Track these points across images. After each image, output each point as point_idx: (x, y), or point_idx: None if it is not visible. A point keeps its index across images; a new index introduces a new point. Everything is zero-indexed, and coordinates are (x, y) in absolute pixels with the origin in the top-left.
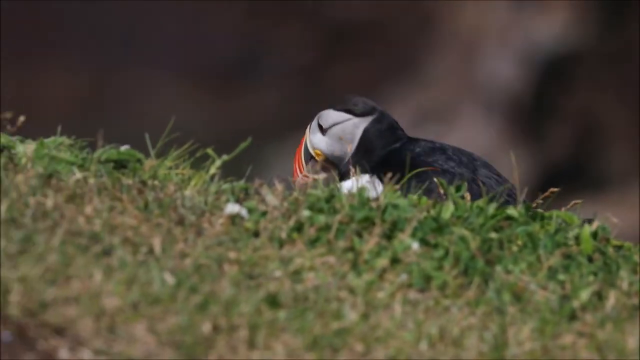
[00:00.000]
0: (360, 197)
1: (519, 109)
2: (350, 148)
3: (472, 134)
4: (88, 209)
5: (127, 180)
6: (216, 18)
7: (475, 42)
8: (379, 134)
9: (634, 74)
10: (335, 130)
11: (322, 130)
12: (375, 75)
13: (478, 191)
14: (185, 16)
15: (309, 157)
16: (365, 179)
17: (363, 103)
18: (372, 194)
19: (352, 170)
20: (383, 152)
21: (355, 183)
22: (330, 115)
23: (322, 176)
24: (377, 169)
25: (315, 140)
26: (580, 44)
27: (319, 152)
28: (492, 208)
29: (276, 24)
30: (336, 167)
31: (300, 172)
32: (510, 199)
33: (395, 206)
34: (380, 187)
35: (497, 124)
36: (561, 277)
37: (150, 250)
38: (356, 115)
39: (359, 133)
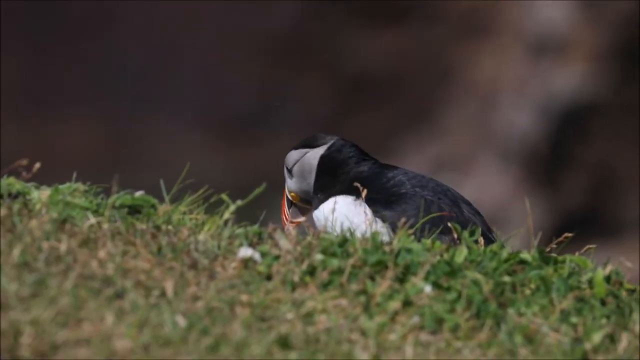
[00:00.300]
0: (374, 241)
1: (535, 159)
2: (311, 179)
3: (488, 183)
4: (101, 253)
5: (141, 225)
6: (235, 68)
7: (493, 93)
8: (336, 159)
9: None
10: (297, 167)
11: (289, 171)
12: (392, 125)
13: (462, 221)
14: (205, 66)
15: (290, 203)
16: (349, 200)
17: (319, 136)
18: (358, 214)
19: (316, 197)
20: (347, 177)
21: (340, 203)
22: (291, 155)
23: (302, 219)
24: (347, 192)
25: (288, 184)
26: (597, 95)
27: (293, 194)
28: (505, 252)
29: (295, 76)
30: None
31: (286, 219)
32: (492, 235)
33: (409, 250)
34: (367, 210)
35: (514, 174)
36: (574, 319)
37: (163, 294)
38: (311, 147)
39: (315, 163)
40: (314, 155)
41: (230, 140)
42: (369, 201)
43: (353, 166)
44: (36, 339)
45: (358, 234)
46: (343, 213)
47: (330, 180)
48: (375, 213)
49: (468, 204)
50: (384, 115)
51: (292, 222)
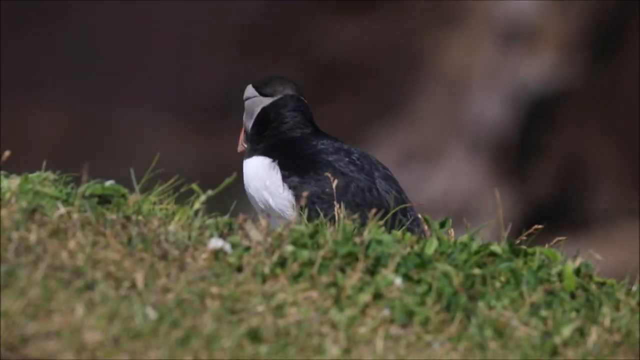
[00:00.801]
0: (345, 232)
1: (504, 148)
2: (249, 125)
3: (458, 172)
4: (71, 244)
5: (111, 215)
6: (206, 57)
7: (462, 82)
8: (274, 117)
9: (619, 115)
10: (247, 104)
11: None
12: (362, 114)
13: (372, 201)
14: (175, 53)
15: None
16: (266, 162)
17: (276, 84)
18: (271, 177)
19: (246, 147)
20: (276, 137)
21: (254, 163)
22: (247, 90)
23: (245, 147)
24: (268, 152)
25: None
26: (567, 84)
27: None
28: (475, 244)
29: (265, 64)
30: None
31: (242, 144)
32: (405, 219)
33: (379, 242)
34: (278, 174)
35: (483, 163)
36: (543, 313)
37: (133, 285)
38: (260, 93)
39: (257, 111)
40: (259, 102)
41: (201, 130)
42: (283, 165)
43: (285, 130)
44: (6, 331)
45: (269, 197)
46: (259, 175)
47: (262, 133)
48: (285, 178)
49: (392, 185)
50: (354, 104)
51: (242, 149)
